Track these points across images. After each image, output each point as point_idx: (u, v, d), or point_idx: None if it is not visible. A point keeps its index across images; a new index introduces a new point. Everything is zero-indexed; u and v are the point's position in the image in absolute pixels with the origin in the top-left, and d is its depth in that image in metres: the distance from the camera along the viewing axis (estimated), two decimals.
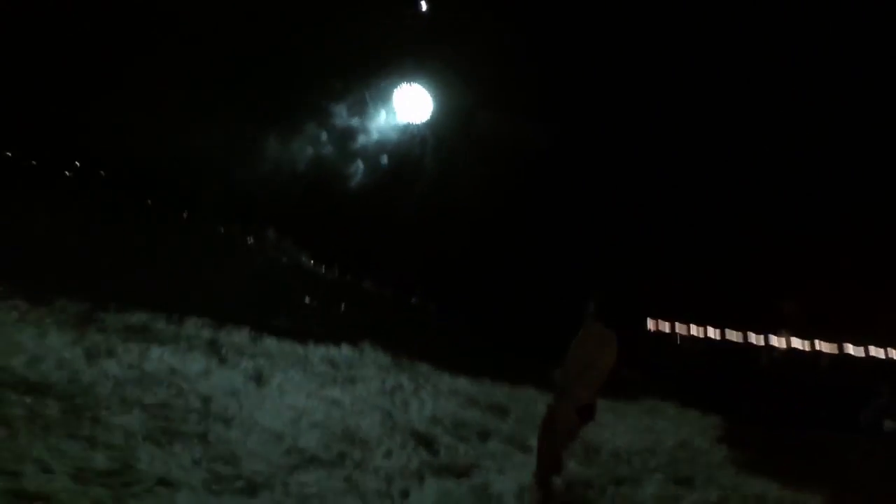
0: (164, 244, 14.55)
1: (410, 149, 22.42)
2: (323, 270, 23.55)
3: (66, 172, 18.24)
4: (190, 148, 18.04)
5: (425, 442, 5.52)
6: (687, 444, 8.58)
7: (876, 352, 15.92)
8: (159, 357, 5.95)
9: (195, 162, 18.77)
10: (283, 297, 15.95)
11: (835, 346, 16.61)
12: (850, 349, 16.53)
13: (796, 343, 17.51)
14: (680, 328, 20.28)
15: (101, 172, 19.10)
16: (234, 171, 19.73)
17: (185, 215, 20.90)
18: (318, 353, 8.41)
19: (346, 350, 8.81)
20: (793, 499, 6.08)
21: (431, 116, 21.97)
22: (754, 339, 18.40)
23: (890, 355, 15.71)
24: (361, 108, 21.95)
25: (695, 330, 19.94)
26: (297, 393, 6.22)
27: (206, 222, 20.48)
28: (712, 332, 19.63)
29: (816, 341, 16.87)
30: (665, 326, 21.26)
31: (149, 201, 20.18)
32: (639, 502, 5.42)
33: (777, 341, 17.97)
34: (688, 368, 17.87)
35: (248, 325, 8.51)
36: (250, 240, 22.78)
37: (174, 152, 18.04)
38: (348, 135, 21.79)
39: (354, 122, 21.91)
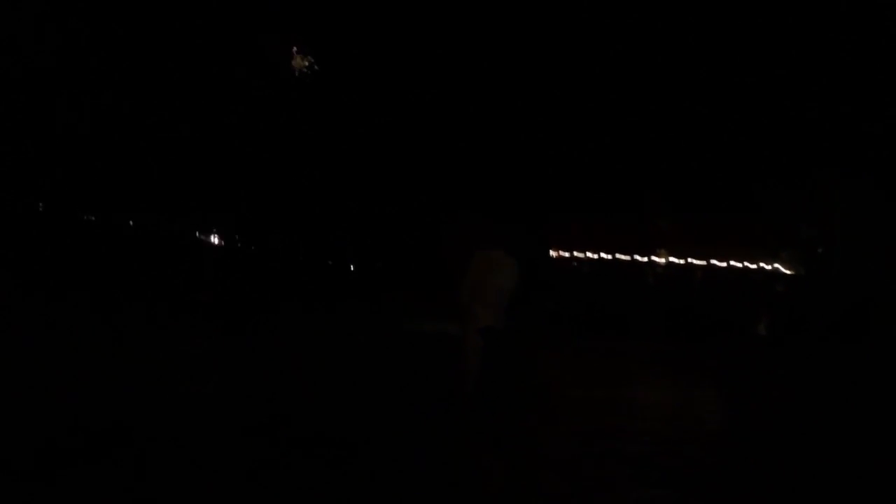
0: None
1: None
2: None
3: None
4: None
5: None
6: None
7: (735, 263, 19.21)
8: None
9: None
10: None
11: (703, 261, 19.74)
12: (715, 262, 19.67)
13: (673, 259, 20.44)
14: (577, 254, 22.63)
15: None
16: None
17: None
18: None
19: None
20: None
21: None
22: (639, 258, 21.07)
23: (746, 265, 19.05)
24: None
25: (590, 255, 22.31)
26: None
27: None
28: (605, 255, 22.13)
29: (690, 258, 20.00)
30: (564, 253, 23.53)
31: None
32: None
33: (658, 259, 20.80)
34: (587, 290, 20.22)
35: None
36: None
37: None
38: None
39: None
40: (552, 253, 23.99)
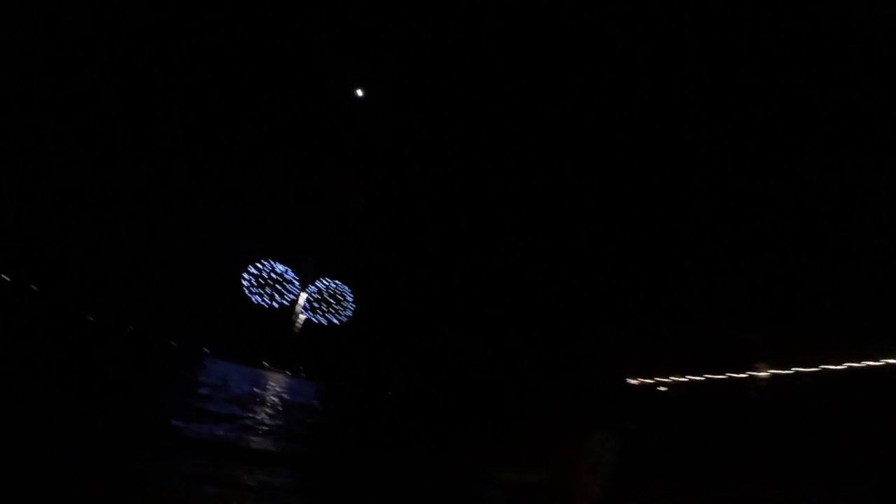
0: None
1: None
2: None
3: None
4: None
5: None
6: None
7: (854, 364, 16.00)
8: None
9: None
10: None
11: (813, 367, 16.62)
12: (828, 366, 16.55)
13: (776, 371, 17.44)
14: (661, 378, 19.94)
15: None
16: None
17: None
18: None
19: None
20: None
21: None
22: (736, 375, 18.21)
23: (869, 363, 15.80)
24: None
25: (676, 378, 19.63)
26: None
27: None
28: (694, 377, 19.37)
29: (795, 367, 16.84)
30: (646, 380, 20.85)
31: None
32: None
33: (759, 373, 17.84)
34: (678, 416, 17.36)
35: None
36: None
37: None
38: None
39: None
40: (633, 381, 21.42)
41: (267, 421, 13.72)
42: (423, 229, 24.83)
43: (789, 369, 17.12)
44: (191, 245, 22.83)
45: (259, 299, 29.10)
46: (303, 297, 29.66)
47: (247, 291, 28.65)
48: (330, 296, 29.94)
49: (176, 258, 22.47)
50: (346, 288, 30.21)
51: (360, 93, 24.18)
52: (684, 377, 19.09)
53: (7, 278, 21.32)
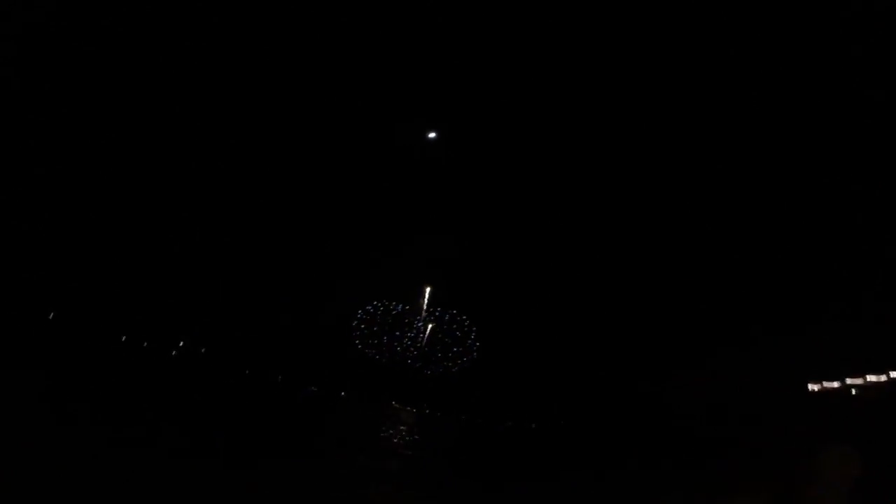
0: None
1: None
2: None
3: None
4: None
5: None
6: None
7: None
8: None
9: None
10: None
11: None
12: None
13: None
14: (853, 380, 17.31)
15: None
16: None
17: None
18: None
19: None
20: None
21: None
22: None
23: None
24: None
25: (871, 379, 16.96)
26: None
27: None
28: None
29: None
30: (831, 384, 18.27)
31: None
32: None
33: None
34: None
35: None
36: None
37: None
38: None
39: None
40: (813, 387, 18.82)
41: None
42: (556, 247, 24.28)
43: None
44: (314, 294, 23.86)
45: (374, 351, 28.19)
46: (426, 331, 28.99)
47: (358, 343, 27.85)
48: (450, 333, 28.92)
49: (304, 305, 23.61)
50: (466, 319, 29.11)
51: (432, 135, 24.57)
52: (884, 375, 16.46)
53: (181, 343, 23.19)
